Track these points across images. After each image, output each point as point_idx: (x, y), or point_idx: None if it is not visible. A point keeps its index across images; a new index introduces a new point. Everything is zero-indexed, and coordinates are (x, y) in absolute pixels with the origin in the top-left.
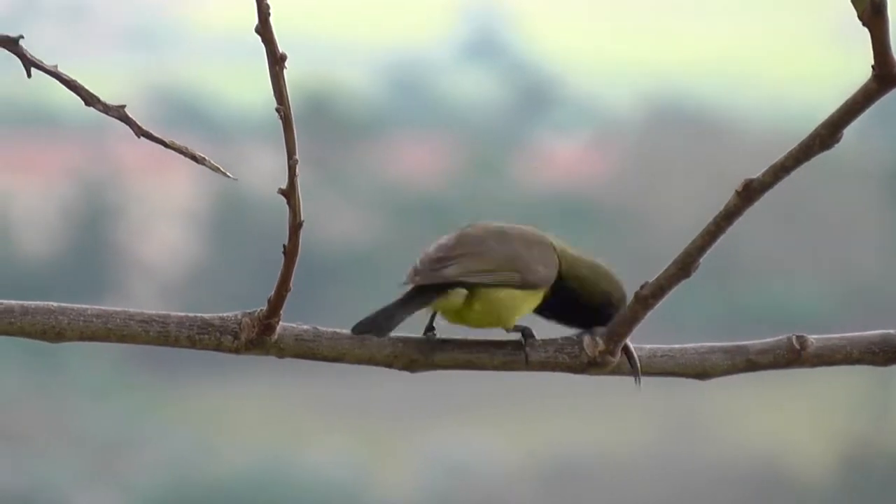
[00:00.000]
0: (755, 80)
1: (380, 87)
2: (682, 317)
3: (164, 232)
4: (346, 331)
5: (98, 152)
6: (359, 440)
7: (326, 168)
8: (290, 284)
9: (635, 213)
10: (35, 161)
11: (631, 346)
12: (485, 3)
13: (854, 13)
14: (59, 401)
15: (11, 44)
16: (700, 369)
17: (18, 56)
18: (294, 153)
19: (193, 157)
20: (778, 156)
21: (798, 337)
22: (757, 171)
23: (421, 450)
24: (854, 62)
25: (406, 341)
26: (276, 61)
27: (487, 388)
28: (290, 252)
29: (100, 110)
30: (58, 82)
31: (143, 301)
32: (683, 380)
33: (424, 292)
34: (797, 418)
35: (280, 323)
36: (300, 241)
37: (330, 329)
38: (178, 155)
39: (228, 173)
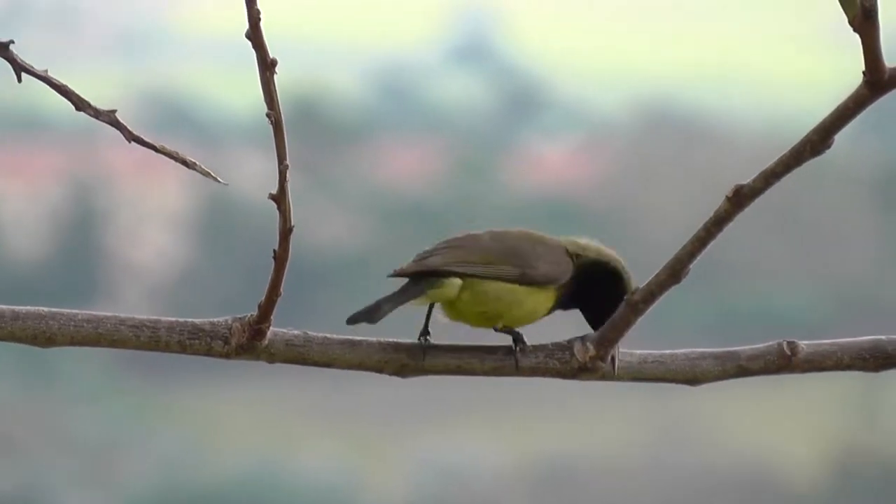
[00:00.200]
0: (746, 86)
1: (369, 92)
2: (673, 322)
3: (155, 236)
4: (337, 336)
5: (88, 157)
6: (350, 445)
7: (316, 172)
8: (281, 289)
9: (625, 218)
10: (26, 165)
11: (617, 349)
12: (474, 8)
13: (845, 19)
14: (49, 405)
15: (2, 49)
16: (691, 375)
17: (9, 61)
18: (284, 158)
19: (184, 162)
20: (769, 161)
21: (789, 343)
22: (748, 177)
23: (412, 454)
24: (845, 68)
25: (397, 346)
26: (267, 67)
27: (478, 392)
28: (281, 257)
29: (90, 115)
30: (48, 87)
31: (132, 305)
32: (674, 385)
33: (418, 283)
34: (788, 424)
35: (270, 328)
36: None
37: (320, 334)
38: (168, 159)
39: (219, 178)
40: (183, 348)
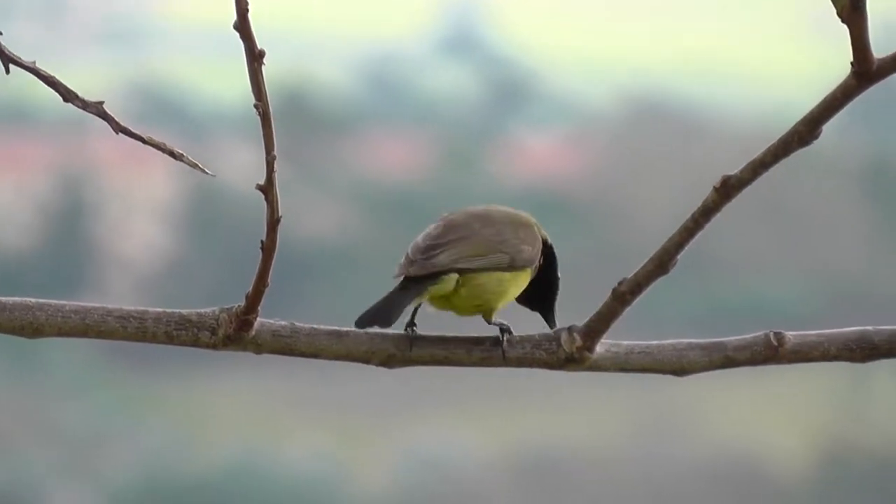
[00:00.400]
0: (734, 76)
1: (356, 83)
2: (660, 313)
3: (142, 227)
4: (324, 326)
5: (76, 148)
6: (337, 435)
7: (302, 163)
8: (268, 280)
9: (612, 210)
10: (13, 157)
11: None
12: None
13: (833, 10)
14: (36, 396)
15: None
16: (678, 366)
17: None
18: (272, 149)
19: (171, 153)
20: (757, 152)
21: (776, 333)
22: (736, 168)
23: (399, 445)
24: (833, 59)
25: (384, 337)
26: (255, 58)
27: (465, 383)
28: (268, 248)
29: (78, 106)
30: (36, 78)
31: (120, 296)
32: (661, 376)
33: (419, 281)
34: (775, 415)
35: (258, 319)
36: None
37: (307, 325)
38: (156, 151)
39: (206, 169)
40: (170, 339)
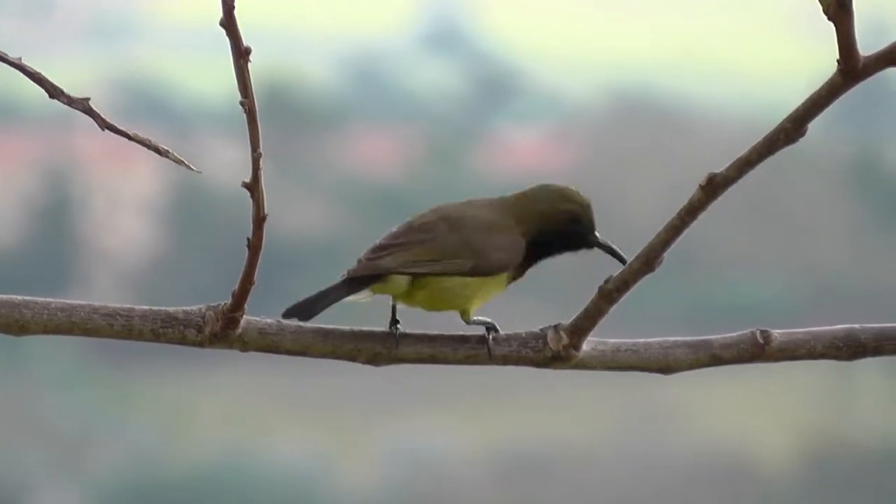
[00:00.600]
0: (719, 73)
1: (341, 79)
2: (647, 311)
3: (128, 224)
4: (310, 324)
5: (62, 144)
6: (323, 433)
7: (287, 159)
8: (254, 278)
9: (597, 206)
10: None
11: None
12: None
13: (820, 8)
14: (22, 393)
15: None
16: (664, 363)
17: None
18: (258, 146)
19: (157, 150)
20: (743, 149)
21: (762, 331)
22: (721, 165)
23: (385, 442)
24: (819, 56)
25: (370, 335)
26: (241, 55)
27: (451, 380)
28: (255, 246)
29: (64, 103)
30: (22, 75)
31: (105, 293)
32: (647, 374)
33: (362, 280)
34: (761, 412)
35: (244, 316)
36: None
37: (294, 323)
38: (141, 147)
39: (192, 166)
40: (156, 337)
